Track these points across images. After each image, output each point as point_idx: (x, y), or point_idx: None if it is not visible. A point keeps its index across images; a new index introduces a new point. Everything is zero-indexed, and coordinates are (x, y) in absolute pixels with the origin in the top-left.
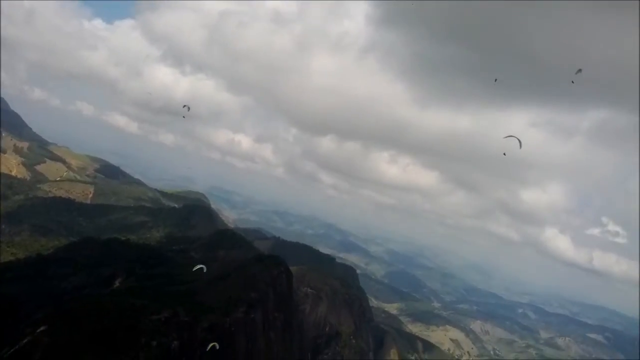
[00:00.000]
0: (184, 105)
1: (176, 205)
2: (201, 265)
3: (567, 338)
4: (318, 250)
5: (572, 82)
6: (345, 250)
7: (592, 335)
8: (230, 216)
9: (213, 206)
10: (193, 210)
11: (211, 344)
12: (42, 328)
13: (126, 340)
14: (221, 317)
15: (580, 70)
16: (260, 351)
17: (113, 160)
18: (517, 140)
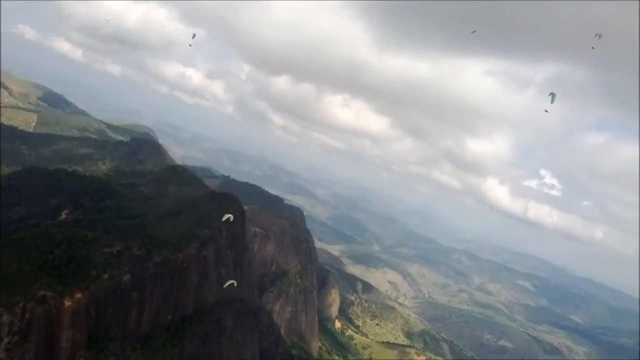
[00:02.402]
0: (194, 35)
1: (122, 139)
2: (229, 215)
3: (498, 284)
4: (267, 191)
5: (592, 47)
6: (292, 192)
7: (521, 282)
8: (177, 152)
9: (160, 141)
10: (141, 144)
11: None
12: None
13: (77, 272)
14: (173, 253)
15: (599, 35)
16: (211, 287)
17: (56, 88)
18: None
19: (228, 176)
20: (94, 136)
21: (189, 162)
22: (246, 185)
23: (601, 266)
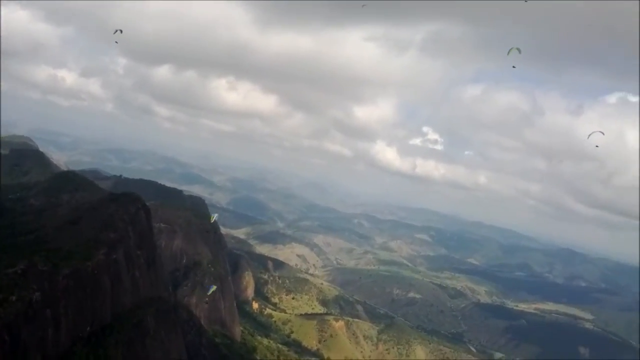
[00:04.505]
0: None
1: (1, 151)
2: (215, 215)
3: (398, 241)
4: (163, 185)
5: (514, 67)
6: (188, 183)
7: (419, 235)
8: (60, 158)
9: (41, 149)
10: (23, 155)
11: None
12: None
13: None
14: (82, 262)
15: (518, 50)
16: (126, 290)
17: None
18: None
19: (120, 175)
20: None
21: (74, 167)
22: (141, 182)
23: (488, 208)
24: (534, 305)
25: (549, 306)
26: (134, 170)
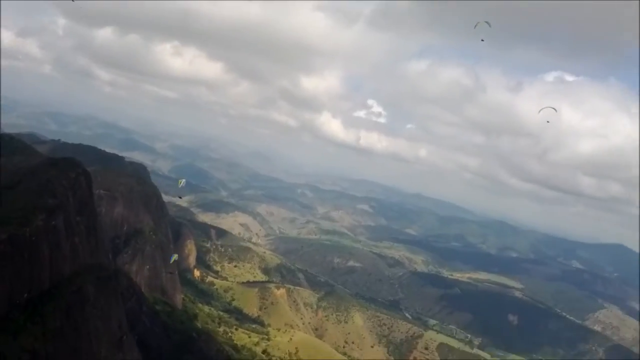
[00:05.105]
0: None
1: None
2: (182, 180)
3: (340, 211)
4: (104, 151)
5: (482, 40)
6: (129, 149)
7: (360, 206)
8: None
9: None
10: None
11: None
12: None
13: None
14: (19, 228)
15: (488, 23)
16: (65, 257)
17: None
18: (553, 110)
19: (59, 140)
20: None
21: (10, 130)
22: (81, 147)
23: (428, 181)
24: (467, 275)
25: (482, 275)
26: (72, 134)
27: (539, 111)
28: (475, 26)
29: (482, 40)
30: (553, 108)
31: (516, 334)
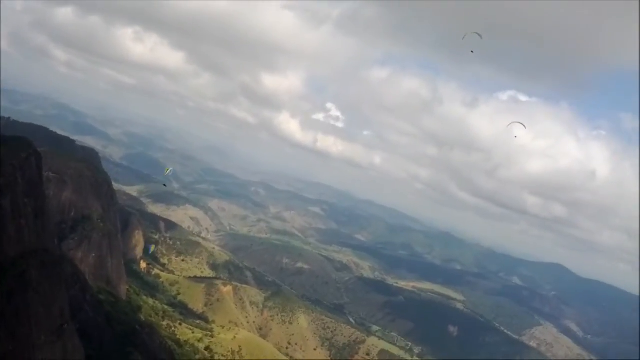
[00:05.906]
0: None
1: None
2: (170, 169)
3: (292, 212)
4: (55, 132)
5: (472, 52)
6: (80, 133)
7: (313, 208)
8: None
9: None
10: None
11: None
12: None
13: None
14: None
15: (479, 35)
16: (10, 239)
17: None
18: (522, 125)
19: (9, 117)
20: None
21: None
22: (31, 127)
23: (380, 188)
24: (412, 284)
25: (426, 285)
26: (23, 113)
27: (508, 125)
28: (464, 37)
29: (472, 52)
30: (522, 124)
31: (455, 344)
